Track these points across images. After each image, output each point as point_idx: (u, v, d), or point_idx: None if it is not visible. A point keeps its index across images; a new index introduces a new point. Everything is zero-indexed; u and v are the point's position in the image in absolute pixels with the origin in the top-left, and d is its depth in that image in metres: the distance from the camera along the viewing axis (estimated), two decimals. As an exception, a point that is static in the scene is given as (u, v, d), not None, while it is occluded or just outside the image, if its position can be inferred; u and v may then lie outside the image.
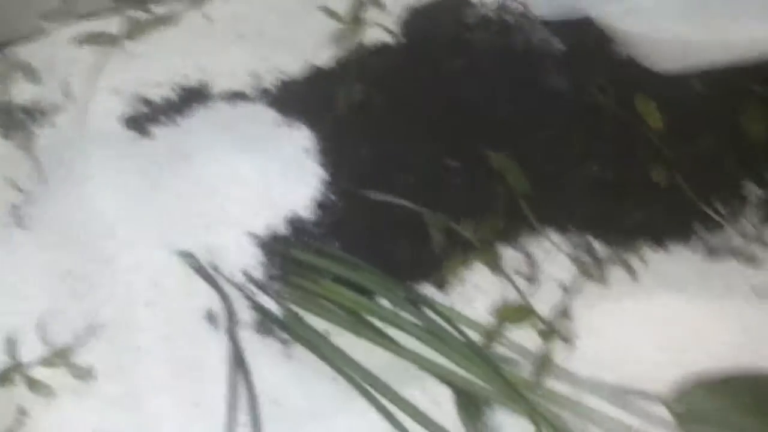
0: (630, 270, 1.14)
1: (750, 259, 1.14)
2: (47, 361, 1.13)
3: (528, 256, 1.17)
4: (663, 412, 1.07)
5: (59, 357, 1.14)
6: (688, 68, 1.16)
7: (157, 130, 1.27)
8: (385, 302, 1.15)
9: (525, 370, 1.10)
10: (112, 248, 1.20)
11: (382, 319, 1.14)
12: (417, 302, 1.14)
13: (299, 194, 1.21)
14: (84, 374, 1.14)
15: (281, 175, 1.21)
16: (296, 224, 1.20)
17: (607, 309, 1.13)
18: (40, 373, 1.13)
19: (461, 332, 1.12)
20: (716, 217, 1.16)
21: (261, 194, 1.21)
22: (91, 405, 1.14)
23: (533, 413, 1.06)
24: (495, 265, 1.15)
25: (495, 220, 1.15)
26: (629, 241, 1.16)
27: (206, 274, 1.18)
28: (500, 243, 1.17)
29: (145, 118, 1.28)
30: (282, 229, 1.20)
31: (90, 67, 1.29)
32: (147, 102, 1.29)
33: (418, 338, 1.12)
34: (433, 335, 1.12)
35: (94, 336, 1.15)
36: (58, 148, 1.26)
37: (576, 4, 1.13)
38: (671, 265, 1.15)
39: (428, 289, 1.17)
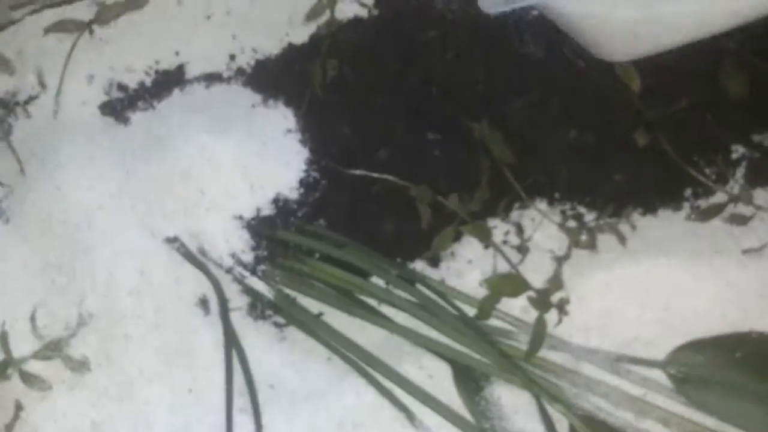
0: (619, 236, 1.12)
1: (737, 220, 1.13)
2: (40, 354, 1.12)
3: (517, 226, 1.15)
4: (659, 376, 1.07)
5: (51, 350, 1.12)
6: (640, 56, 1.14)
7: (133, 116, 1.24)
8: (376, 280, 1.13)
9: (520, 342, 1.09)
10: (91, 238, 1.18)
11: (374, 297, 1.13)
12: (408, 278, 1.12)
13: (280, 174, 1.19)
14: (78, 366, 1.13)
15: (260, 156, 1.19)
16: (280, 204, 1.18)
17: (598, 275, 1.12)
18: (34, 367, 1.13)
19: (454, 306, 1.10)
20: (702, 179, 1.14)
21: (240, 176, 1.18)
22: (85, 396, 1.13)
23: (531, 384, 1.06)
24: (485, 238, 1.13)
25: (482, 191, 1.14)
26: (617, 206, 1.15)
27: (194, 259, 1.16)
28: (488, 215, 1.16)
29: (120, 103, 1.25)
30: (266, 209, 1.18)
31: (62, 54, 1.26)
32: (122, 87, 1.26)
33: (412, 314, 1.11)
34: (426, 311, 1.10)
35: (84, 327, 1.14)
36: (34, 139, 1.24)
37: None
38: (659, 228, 1.14)
39: (419, 265, 1.15)
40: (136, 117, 1.24)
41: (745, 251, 1.11)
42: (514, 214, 1.16)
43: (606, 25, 1.10)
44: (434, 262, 1.15)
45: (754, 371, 1.05)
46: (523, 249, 1.14)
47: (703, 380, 1.05)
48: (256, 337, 1.14)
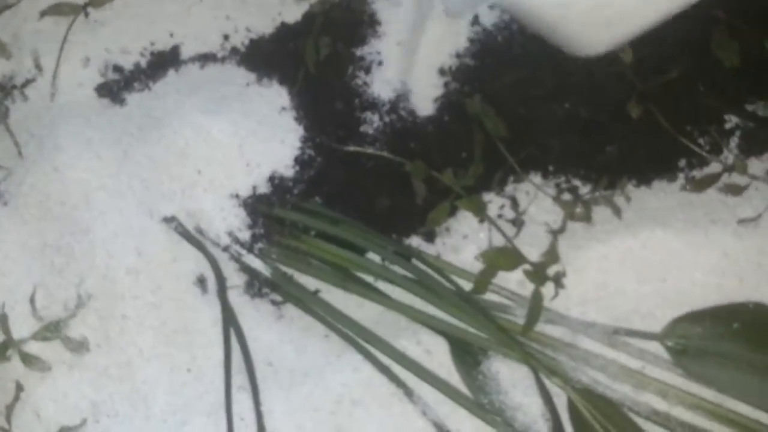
0: (614, 207, 1.06)
1: (732, 189, 1.07)
2: (40, 336, 1.09)
3: (511, 200, 1.09)
4: (657, 348, 1.02)
5: (51, 331, 1.09)
6: (618, 43, 1.01)
7: (129, 97, 1.19)
8: (372, 256, 1.08)
9: (517, 316, 1.03)
10: (89, 219, 1.13)
11: (370, 273, 1.08)
12: (404, 254, 1.07)
13: (276, 152, 1.14)
14: (77, 346, 1.10)
15: (255, 134, 1.14)
16: (276, 182, 1.13)
17: (594, 248, 1.06)
18: (34, 348, 1.09)
19: (451, 281, 1.05)
20: (696, 149, 1.09)
21: (236, 154, 1.13)
22: (85, 376, 1.10)
23: (529, 358, 1.00)
24: (480, 212, 1.07)
25: (476, 166, 1.07)
26: (612, 178, 1.09)
27: (192, 238, 1.12)
28: (483, 189, 1.10)
29: (116, 85, 1.20)
30: (262, 188, 1.13)
31: (58, 37, 1.20)
32: (117, 69, 1.21)
33: (408, 290, 1.06)
34: (423, 286, 1.05)
35: (83, 307, 1.10)
36: (31, 121, 1.19)
37: None
38: (655, 200, 1.09)
39: (414, 240, 1.10)
40: (132, 98, 1.19)
41: (741, 221, 1.06)
42: (509, 188, 1.10)
43: (572, 14, 0.96)
44: (430, 238, 1.10)
45: (752, 342, 1.00)
46: (518, 222, 1.08)
47: (700, 352, 1.00)
48: (253, 315, 1.09)
